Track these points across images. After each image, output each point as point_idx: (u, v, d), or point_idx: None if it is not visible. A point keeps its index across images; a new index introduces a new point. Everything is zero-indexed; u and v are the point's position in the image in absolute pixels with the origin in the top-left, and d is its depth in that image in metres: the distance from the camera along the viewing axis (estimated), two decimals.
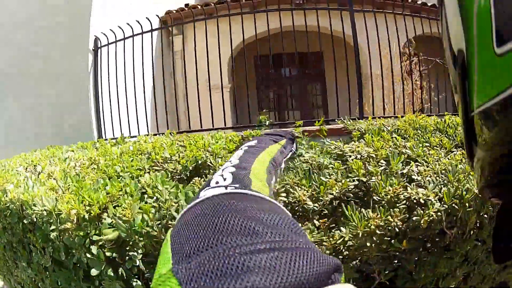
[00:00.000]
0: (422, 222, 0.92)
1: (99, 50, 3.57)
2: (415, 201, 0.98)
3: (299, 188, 1.13)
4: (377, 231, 0.92)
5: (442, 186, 1.02)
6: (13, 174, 1.92)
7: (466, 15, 0.24)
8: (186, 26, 3.96)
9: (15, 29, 4.27)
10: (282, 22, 3.14)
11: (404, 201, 1.01)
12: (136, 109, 3.49)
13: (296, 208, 1.09)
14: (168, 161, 1.54)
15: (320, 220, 1.02)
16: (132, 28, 3.42)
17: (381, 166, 1.29)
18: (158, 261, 0.30)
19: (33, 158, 2.26)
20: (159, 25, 3.76)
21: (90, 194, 1.12)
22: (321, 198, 1.08)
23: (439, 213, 0.92)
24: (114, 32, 3.48)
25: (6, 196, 1.53)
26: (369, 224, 0.92)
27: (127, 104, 3.48)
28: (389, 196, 1.02)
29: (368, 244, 0.91)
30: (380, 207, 1.00)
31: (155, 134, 3.05)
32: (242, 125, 3.36)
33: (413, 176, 1.15)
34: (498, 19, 0.20)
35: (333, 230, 0.99)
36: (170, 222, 0.97)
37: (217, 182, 0.41)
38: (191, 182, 1.30)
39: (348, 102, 3.12)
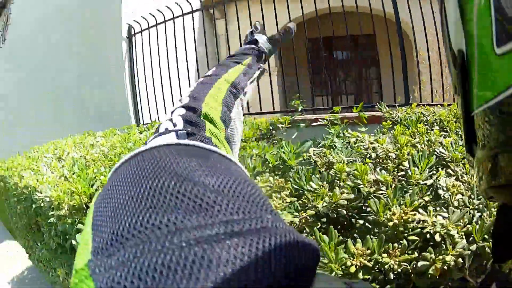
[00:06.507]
0: (431, 270, 0.59)
1: (133, 37, 3.55)
2: (428, 235, 0.64)
3: (277, 195, 0.86)
4: (360, 275, 0.62)
5: (476, 212, 0.67)
6: (36, 160, 2.10)
7: (466, 15, 0.23)
8: (228, 9, 3.71)
9: (48, 20, 4.52)
10: (330, 2, 2.79)
11: (418, 231, 0.68)
12: (172, 93, 3.41)
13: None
14: None
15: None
16: (172, 11, 3.30)
17: (402, 170, 0.96)
18: (80, 237, 0.23)
19: (62, 145, 2.39)
20: (199, 7, 3.57)
21: (81, 184, 1.12)
22: (300, 212, 0.79)
23: (461, 259, 0.58)
24: (146, 19, 3.42)
25: (21, 182, 1.70)
26: (348, 264, 0.62)
27: (162, 88, 3.40)
28: (392, 223, 0.69)
29: None
30: (383, 235, 0.68)
31: None
32: (286, 109, 3.08)
33: (439, 191, 0.80)
34: (498, 19, 0.20)
35: None
36: None
37: (166, 129, 0.36)
38: None
39: (403, 88, 2.73)
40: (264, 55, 0.67)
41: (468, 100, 0.25)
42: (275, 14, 2.87)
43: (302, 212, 0.79)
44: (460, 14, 0.24)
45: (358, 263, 0.63)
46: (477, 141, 0.26)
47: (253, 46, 0.67)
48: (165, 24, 3.32)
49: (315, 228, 0.72)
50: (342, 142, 1.37)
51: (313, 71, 3.26)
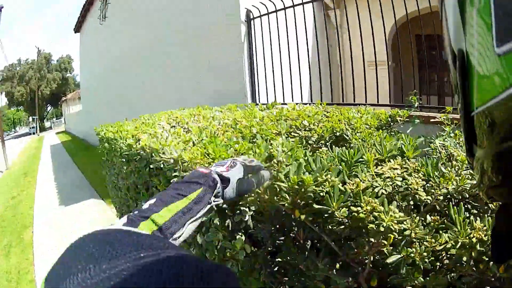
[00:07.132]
0: None
1: (251, 22, 3.88)
2: None
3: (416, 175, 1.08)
4: (477, 246, 0.86)
5: None
6: (151, 126, 2.17)
7: (466, 14, 0.24)
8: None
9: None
10: (431, 2, 2.84)
11: None
12: (291, 78, 3.65)
13: (406, 197, 1.06)
14: (306, 129, 1.61)
15: (432, 217, 0.97)
16: (282, 1, 3.58)
17: None
18: None
19: (178, 115, 2.46)
20: None
21: (214, 148, 1.14)
22: (434, 191, 1.02)
23: None
24: (265, 5, 3.73)
25: (138, 144, 1.76)
26: (470, 236, 0.87)
27: (282, 72, 3.66)
28: None
29: (464, 259, 0.86)
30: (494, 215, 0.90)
31: (304, 104, 3.26)
32: (396, 104, 3.22)
33: None
34: (498, 19, 0.20)
35: (440, 232, 0.93)
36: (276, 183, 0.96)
37: None
38: (318, 151, 1.32)
39: None
40: (220, 189, 0.60)
41: (468, 100, 0.25)
42: (392, 4, 2.93)
43: (435, 191, 1.03)
44: (460, 14, 0.24)
45: (478, 236, 0.88)
46: (477, 141, 0.26)
47: (210, 175, 0.59)
48: (285, 11, 3.59)
49: (449, 204, 0.96)
50: (454, 141, 1.51)
51: (420, 69, 3.26)
